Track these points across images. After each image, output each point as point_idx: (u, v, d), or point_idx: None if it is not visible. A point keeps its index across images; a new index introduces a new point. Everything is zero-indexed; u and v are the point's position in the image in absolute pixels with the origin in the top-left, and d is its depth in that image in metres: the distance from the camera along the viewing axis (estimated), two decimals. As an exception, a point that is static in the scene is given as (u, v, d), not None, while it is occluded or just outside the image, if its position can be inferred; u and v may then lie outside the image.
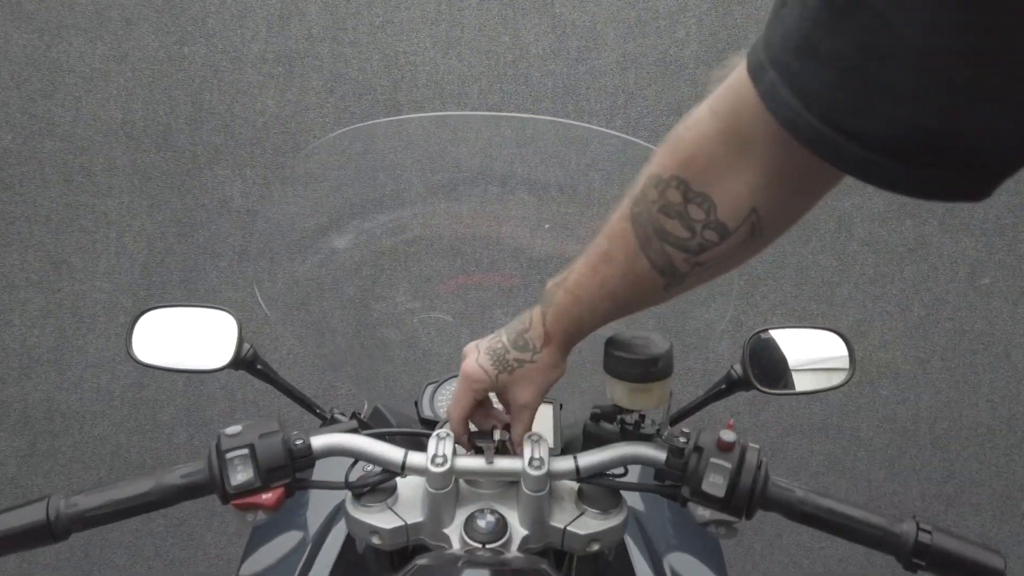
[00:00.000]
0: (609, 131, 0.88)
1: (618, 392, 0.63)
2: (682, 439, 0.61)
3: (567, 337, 0.61)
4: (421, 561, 0.53)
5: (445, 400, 0.88)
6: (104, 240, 2.03)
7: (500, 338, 0.63)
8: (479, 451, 0.65)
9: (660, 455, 0.62)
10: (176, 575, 1.91)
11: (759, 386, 0.89)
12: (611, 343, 0.63)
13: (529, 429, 0.65)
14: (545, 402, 0.79)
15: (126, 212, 2.04)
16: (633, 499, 0.98)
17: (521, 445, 0.64)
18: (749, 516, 0.61)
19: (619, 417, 0.67)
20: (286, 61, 2.05)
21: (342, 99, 2.05)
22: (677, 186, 0.48)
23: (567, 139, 0.92)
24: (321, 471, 0.65)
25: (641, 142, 0.87)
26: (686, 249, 0.49)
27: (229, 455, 0.58)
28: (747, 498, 0.59)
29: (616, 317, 0.59)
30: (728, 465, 0.58)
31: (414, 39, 2.06)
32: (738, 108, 0.44)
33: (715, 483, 0.58)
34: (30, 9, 2.02)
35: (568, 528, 0.63)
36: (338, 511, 0.85)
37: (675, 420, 0.89)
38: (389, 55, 2.06)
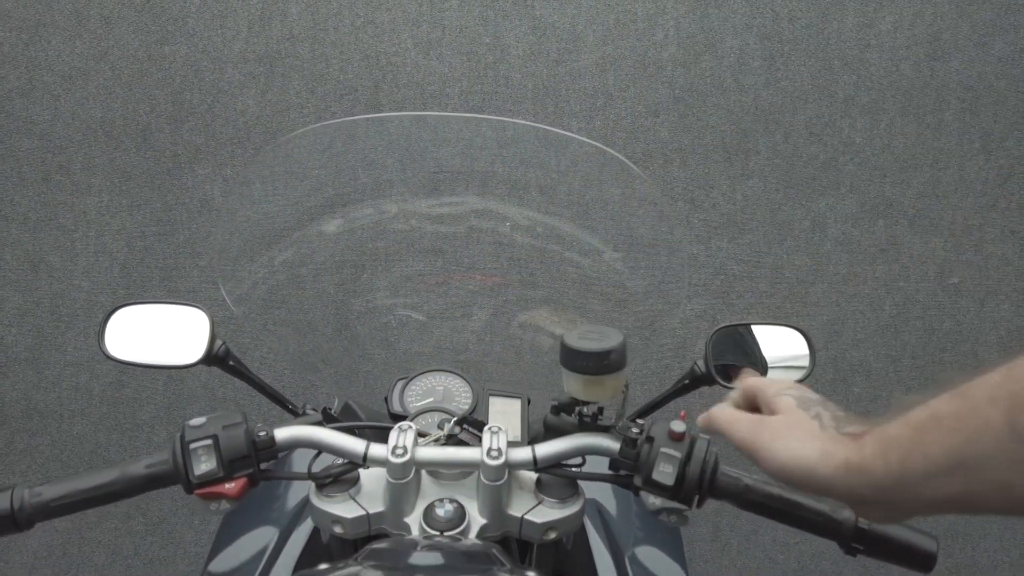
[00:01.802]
0: (570, 134, 0.89)
1: (573, 385, 0.65)
2: (635, 430, 0.63)
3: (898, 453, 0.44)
4: (375, 546, 0.55)
5: (415, 395, 0.89)
6: (83, 239, 2.03)
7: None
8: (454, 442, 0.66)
9: (614, 445, 0.64)
10: (155, 574, 1.90)
11: (721, 381, 0.90)
12: (566, 337, 0.65)
13: None
14: (514, 397, 0.81)
15: (105, 211, 2.03)
16: (604, 494, 1.00)
17: None
18: (699, 504, 0.63)
19: (577, 409, 0.69)
20: (267, 61, 2.06)
21: (323, 99, 2.06)
22: None
23: (542, 142, 0.93)
24: (298, 464, 0.66)
25: (616, 153, 0.88)
26: None
27: (193, 446, 0.60)
28: (696, 487, 0.61)
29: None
30: (678, 455, 0.61)
31: (395, 40, 2.08)
32: None
33: (665, 472, 0.60)
34: (8, 7, 2.02)
35: (525, 517, 0.65)
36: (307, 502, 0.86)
37: (639, 415, 0.91)
38: (370, 56, 2.07)
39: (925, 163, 2.05)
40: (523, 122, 0.84)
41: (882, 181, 2.04)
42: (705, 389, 0.92)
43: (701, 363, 0.91)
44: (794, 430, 0.48)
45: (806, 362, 0.99)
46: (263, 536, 0.84)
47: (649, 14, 2.08)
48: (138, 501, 1.94)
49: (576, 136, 0.91)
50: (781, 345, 1.01)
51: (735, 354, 0.96)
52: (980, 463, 0.39)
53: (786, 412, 0.50)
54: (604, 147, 0.90)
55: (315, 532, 0.79)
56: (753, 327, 0.98)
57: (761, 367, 0.97)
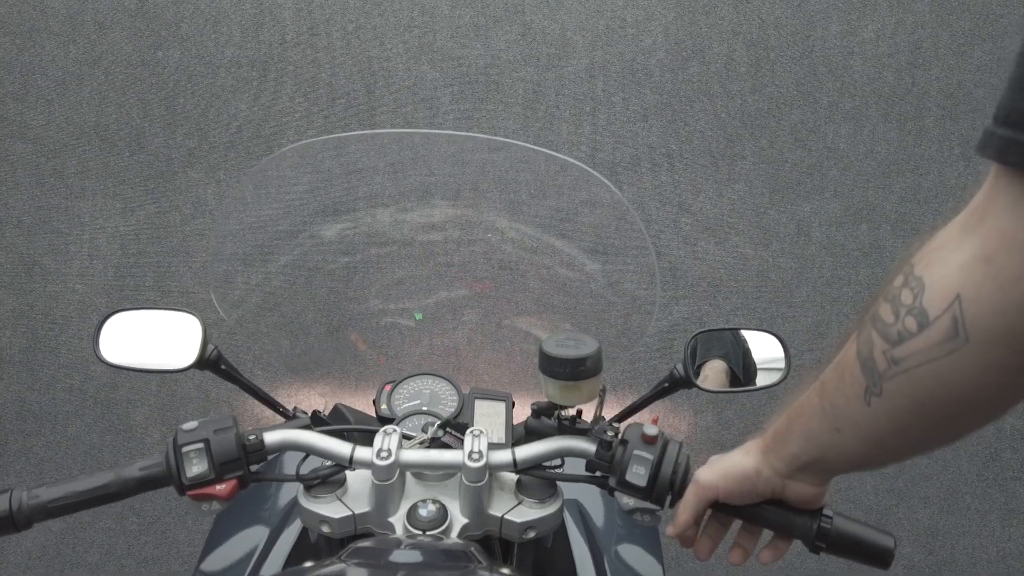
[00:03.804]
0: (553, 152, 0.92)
1: (551, 389, 0.68)
2: (610, 433, 0.66)
3: (772, 432, 0.59)
4: (359, 544, 0.58)
5: (402, 399, 0.92)
6: (77, 242, 2.04)
7: None
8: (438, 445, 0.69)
9: (591, 448, 0.66)
10: (148, 573, 1.92)
11: (699, 385, 0.93)
12: (545, 344, 0.67)
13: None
14: (498, 400, 0.84)
15: (99, 214, 2.05)
16: (586, 495, 1.02)
17: None
18: (671, 505, 0.66)
19: (557, 413, 0.72)
20: (260, 66, 2.08)
21: (315, 103, 2.09)
22: (903, 270, 0.45)
23: (518, 157, 0.96)
24: (287, 465, 0.68)
25: (586, 167, 0.91)
26: (886, 337, 0.45)
27: (185, 449, 0.62)
28: (667, 488, 0.63)
29: (820, 424, 0.54)
30: (650, 457, 0.63)
31: (387, 45, 2.10)
32: (979, 192, 0.41)
33: (638, 473, 0.63)
34: (2, 12, 2.03)
35: (505, 516, 0.68)
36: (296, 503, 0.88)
37: (620, 418, 0.94)
38: (362, 60, 2.10)
39: (907, 168, 2.08)
40: (503, 139, 0.87)
41: (865, 186, 2.08)
42: (684, 391, 0.95)
43: (680, 367, 0.94)
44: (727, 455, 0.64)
45: (781, 364, 1.02)
46: (253, 536, 0.87)
47: (638, 20, 2.11)
48: (132, 501, 1.95)
49: (549, 152, 0.94)
50: (759, 349, 1.04)
51: (713, 359, 0.99)
52: (815, 435, 0.55)
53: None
54: (580, 163, 0.93)
55: (304, 532, 0.82)
56: (731, 332, 1.01)
57: (738, 370, 1.00)
